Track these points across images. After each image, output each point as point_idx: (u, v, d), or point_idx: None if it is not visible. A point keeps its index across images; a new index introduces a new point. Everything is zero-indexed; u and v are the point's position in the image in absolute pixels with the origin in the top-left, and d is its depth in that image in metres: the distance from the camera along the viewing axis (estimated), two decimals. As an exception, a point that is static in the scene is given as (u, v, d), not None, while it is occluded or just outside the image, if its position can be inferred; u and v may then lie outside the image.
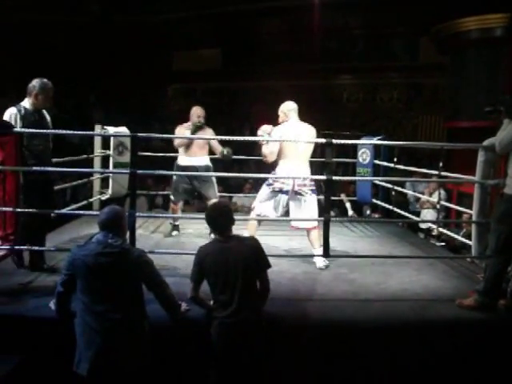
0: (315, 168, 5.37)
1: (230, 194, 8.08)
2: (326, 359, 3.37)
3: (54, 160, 4.59)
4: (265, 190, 4.88)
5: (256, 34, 14.47)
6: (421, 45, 13.09)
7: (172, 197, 5.75)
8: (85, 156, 6.39)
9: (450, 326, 3.58)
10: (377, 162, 6.85)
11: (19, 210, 3.92)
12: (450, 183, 7.81)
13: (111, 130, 6.24)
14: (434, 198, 6.69)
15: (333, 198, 5.66)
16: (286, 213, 4.94)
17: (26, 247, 4.10)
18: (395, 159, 6.45)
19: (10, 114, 4.07)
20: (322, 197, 5.06)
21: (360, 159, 7.08)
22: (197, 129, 5.53)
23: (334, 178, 4.65)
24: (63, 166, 5.02)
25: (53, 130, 4.34)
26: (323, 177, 4.58)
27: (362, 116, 14.26)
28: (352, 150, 7.58)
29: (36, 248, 4.17)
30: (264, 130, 4.86)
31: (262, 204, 4.85)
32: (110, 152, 6.34)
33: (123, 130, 6.19)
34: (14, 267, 4.16)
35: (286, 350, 3.34)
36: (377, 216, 7.46)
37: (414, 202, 8.60)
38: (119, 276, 2.90)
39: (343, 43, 14.20)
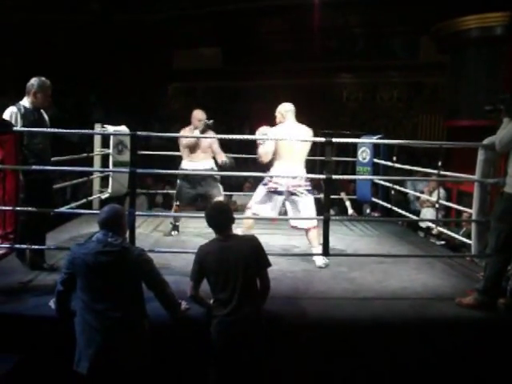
0: (312, 166, 5.37)
1: (230, 193, 8.08)
2: (326, 358, 3.38)
3: (54, 159, 4.59)
4: (260, 190, 4.91)
5: (256, 32, 14.44)
6: (421, 43, 13.09)
7: (175, 201, 5.74)
8: (84, 155, 6.38)
9: (450, 324, 3.58)
10: (376, 160, 6.85)
11: (19, 208, 3.92)
12: (450, 182, 7.80)
13: (111, 128, 6.24)
14: (434, 197, 6.69)
15: (332, 196, 5.66)
16: (285, 212, 4.95)
17: (25, 246, 4.10)
18: (395, 158, 6.45)
19: (11, 112, 4.07)
20: (321, 195, 5.07)
21: (360, 158, 7.08)
22: (206, 128, 5.50)
23: (334, 176, 4.66)
24: (63, 164, 5.02)
25: (53, 129, 4.34)
26: (323, 176, 4.58)
27: (361, 115, 14.25)
28: (352, 149, 7.58)
29: (36, 247, 4.17)
30: (262, 131, 4.90)
31: (258, 203, 4.88)
32: (110, 151, 6.34)
33: (123, 128, 6.19)
34: (14, 266, 4.16)
35: (286, 348, 3.34)
36: (376, 215, 7.46)
37: (415, 201, 8.60)
38: (119, 274, 2.90)
39: (343, 42, 14.19)
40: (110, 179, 6.36)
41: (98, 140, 6.75)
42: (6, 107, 4.13)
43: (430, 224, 6.79)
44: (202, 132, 5.46)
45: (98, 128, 6.50)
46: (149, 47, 13.75)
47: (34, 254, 4.24)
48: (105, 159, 6.63)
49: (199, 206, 6.02)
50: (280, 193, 4.81)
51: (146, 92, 13.96)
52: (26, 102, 4.17)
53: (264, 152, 4.79)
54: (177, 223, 5.82)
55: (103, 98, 13.62)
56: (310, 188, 4.86)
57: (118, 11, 13.50)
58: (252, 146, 5.28)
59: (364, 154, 7.00)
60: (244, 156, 6.96)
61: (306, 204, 4.79)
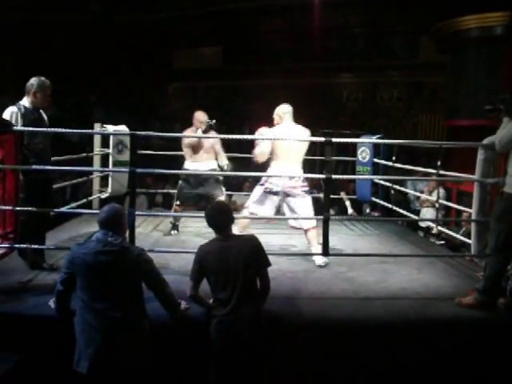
0: (312, 166, 5.38)
1: (230, 193, 8.08)
2: (326, 358, 3.37)
3: (54, 158, 4.59)
4: (257, 190, 4.96)
5: (256, 32, 14.45)
6: (421, 43, 13.10)
7: (176, 201, 5.74)
8: (84, 154, 6.38)
9: (450, 324, 3.58)
10: (376, 160, 6.85)
11: (18, 208, 3.92)
12: (450, 182, 7.80)
13: (111, 128, 6.23)
14: (434, 197, 6.69)
15: (332, 196, 5.66)
16: (284, 212, 4.96)
17: (25, 245, 4.10)
18: (394, 158, 6.45)
19: (11, 112, 4.08)
20: (321, 195, 5.07)
21: (359, 158, 7.08)
22: (209, 128, 5.50)
23: (334, 176, 4.66)
24: (63, 164, 5.02)
25: (53, 129, 4.34)
26: (323, 175, 4.58)
27: (361, 115, 14.26)
28: (352, 149, 7.58)
29: (36, 246, 4.17)
30: (261, 132, 4.92)
31: (255, 203, 4.92)
32: (110, 150, 6.34)
33: (123, 128, 6.19)
34: (14, 266, 4.16)
35: (286, 348, 3.34)
36: (376, 214, 7.46)
37: (415, 201, 8.60)
38: (119, 274, 2.90)
39: (343, 42, 14.20)
40: (110, 179, 6.36)
41: (97, 140, 6.75)
42: (5, 107, 4.13)
43: (430, 224, 6.79)
44: (205, 132, 5.47)
45: (97, 128, 6.50)
46: (149, 47, 13.76)
47: (34, 254, 4.24)
48: (104, 159, 6.63)
49: (199, 206, 6.02)
50: (276, 193, 4.84)
51: (146, 92, 13.97)
52: (25, 101, 4.17)
53: (259, 152, 4.83)
54: (177, 222, 5.82)
55: (103, 98, 13.61)
56: (306, 189, 4.89)
57: (118, 11, 13.51)
58: (252, 146, 5.28)
59: (364, 154, 7.01)
60: (244, 156, 6.96)
61: (302, 205, 4.82)
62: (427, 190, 7.93)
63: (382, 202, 6.94)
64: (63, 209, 5.49)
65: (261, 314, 3.16)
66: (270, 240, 5.01)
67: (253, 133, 5.15)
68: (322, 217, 4.46)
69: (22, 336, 3.30)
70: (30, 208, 4.01)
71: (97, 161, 6.74)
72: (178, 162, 5.89)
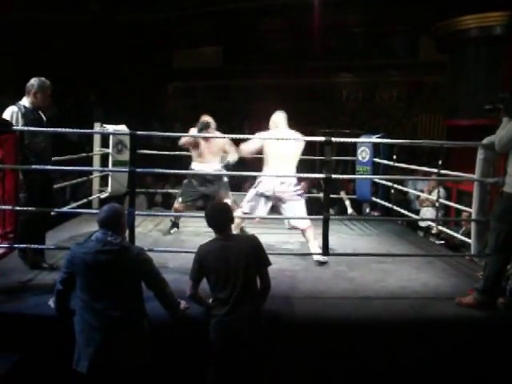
0: (311, 166, 5.41)
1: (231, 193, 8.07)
2: (326, 357, 3.37)
3: (54, 158, 4.60)
4: (252, 192, 5.06)
5: (256, 31, 14.46)
6: (421, 43, 13.10)
7: (179, 198, 5.74)
8: (84, 154, 6.38)
9: (450, 324, 3.58)
10: (376, 160, 6.85)
11: (18, 208, 3.93)
12: (450, 181, 7.80)
13: (110, 128, 6.23)
14: (434, 196, 6.70)
15: (332, 196, 5.66)
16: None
17: (25, 245, 4.10)
18: (395, 157, 6.45)
19: (12, 112, 4.08)
20: (321, 195, 5.09)
21: (359, 157, 7.08)
22: (204, 128, 5.51)
23: (334, 176, 4.67)
24: (63, 164, 5.02)
25: (53, 129, 4.35)
26: (322, 175, 4.59)
27: (361, 114, 14.26)
28: (351, 149, 7.59)
29: (36, 246, 4.17)
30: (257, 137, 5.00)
31: (249, 204, 5.02)
32: (109, 150, 6.34)
33: (122, 128, 6.19)
34: (14, 265, 4.16)
35: (286, 347, 3.34)
36: (376, 214, 7.46)
37: (415, 201, 8.61)
38: (118, 274, 2.90)
39: (343, 41, 14.19)
40: (110, 178, 6.36)
41: (97, 139, 6.75)
42: (5, 107, 4.14)
43: (430, 223, 6.80)
44: (200, 131, 5.48)
45: (97, 127, 6.50)
46: (149, 47, 13.76)
47: (34, 254, 4.24)
48: (104, 159, 6.63)
49: (200, 206, 6.02)
50: (267, 197, 4.94)
51: (145, 92, 13.97)
52: (25, 101, 4.18)
53: (245, 148, 5.06)
54: (177, 220, 5.82)
55: (103, 98, 13.61)
56: (299, 193, 4.96)
57: (118, 11, 13.51)
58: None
59: (364, 154, 7.01)
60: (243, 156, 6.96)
61: (294, 209, 4.89)
62: (427, 190, 7.94)
63: (381, 202, 6.94)
64: (63, 208, 5.49)
65: (260, 314, 3.16)
66: (269, 239, 5.01)
67: (253, 132, 5.18)
68: (321, 216, 4.47)
69: (22, 335, 3.30)
70: (30, 208, 4.01)
71: (96, 160, 6.74)
72: (178, 161, 5.89)
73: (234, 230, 4.68)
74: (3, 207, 3.86)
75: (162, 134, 8.02)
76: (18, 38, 12.07)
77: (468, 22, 8.78)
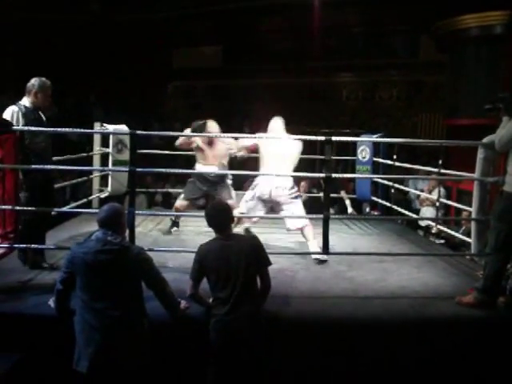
0: (311, 165, 5.43)
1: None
2: (325, 357, 3.37)
3: (54, 158, 4.60)
4: (249, 193, 5.09)
5: (256, 31, 14.45)
6: (421, 42, 13.07)
7: (182, 195, 5.75)
8: (84, 154, 6.38)
9: (450, 323, 3.58)
10: (376, 159, 6.85)
11: (18, 208, 3.93)
12: (450, 181, 7.80)
13: (110, 127, 6.23)
14: (434, 196, 6.69)
15: (332, 195, 5.66)
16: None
17: (25, 245, 4.10)
18: (395, 156, 6.45)
19: (12, 111, 4.09)
20: (321, 194, 5.10)
21: (359, 157, 7.09)
22: (199, 128, 5.51)
23: (334, 175, 4.67)
24: (63, 163, 5.03)
25: (53, 128, 4.35)
26: (323, 174, 4.59)
27: (361, 114, 14.23)
28: (351, 148, 7.59)
29: (36, 246, 4.17)
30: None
31: (245, 204, 5.05)
32: (110, 150, 6.34)
33: (122, 127, 6.19)
34: (14, 265, 4.16)
35: (286, 347, 3.34)
36: (376, 213, 7.46)
37: (416, 200, 8.60)
38: (118, 273, 2.90)
39: (343, 41, 14.17)
40: (110, 178, 6.36)
41: (97, 139, 6.75)
42: (5, 106, 4.15)
43: (430, 223, 6.79)
44: (194, 131, 5.49)
45: (97, 127, 6.50)
46: (149, 47, 13.75)
47: (35, 254, 4.24)
48: (104, 158, 6.63)
49: (200, 205, 6.03)
50: (263, 200, 4.98)
51: (145, 91, 13.96)
52: (25, 101, 4.18)
53: (238, 144, 5.23)
54: (177, 219, 5.83)
55: (103, 98, 13.61)
56: (295, 195, 4.98)
57: (118, 11, 13.50)
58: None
59: (364, 153, 7.01)
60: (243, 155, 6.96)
61: (291, 211, 4.91)
62: (427, 189, 7.93)
63: (381, 201, 6.94)
64: (63, 208, 5.49)
65: (260, 313, 3.16)
66: (269, 239, 5.02)
67: (253, 132, 5.19)
68: (321, 216, 4.47)
69: (22, 335, 3.30)
70: (30, 208, 4.01)
71: (96, 160, 6.74)
72: (178, 161, 5.89)
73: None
74: (3, 207, 3.86)
75: (162, 133, 8.03)
76: (18, 38, 12.07)
77: (468, 22, 8.76)
